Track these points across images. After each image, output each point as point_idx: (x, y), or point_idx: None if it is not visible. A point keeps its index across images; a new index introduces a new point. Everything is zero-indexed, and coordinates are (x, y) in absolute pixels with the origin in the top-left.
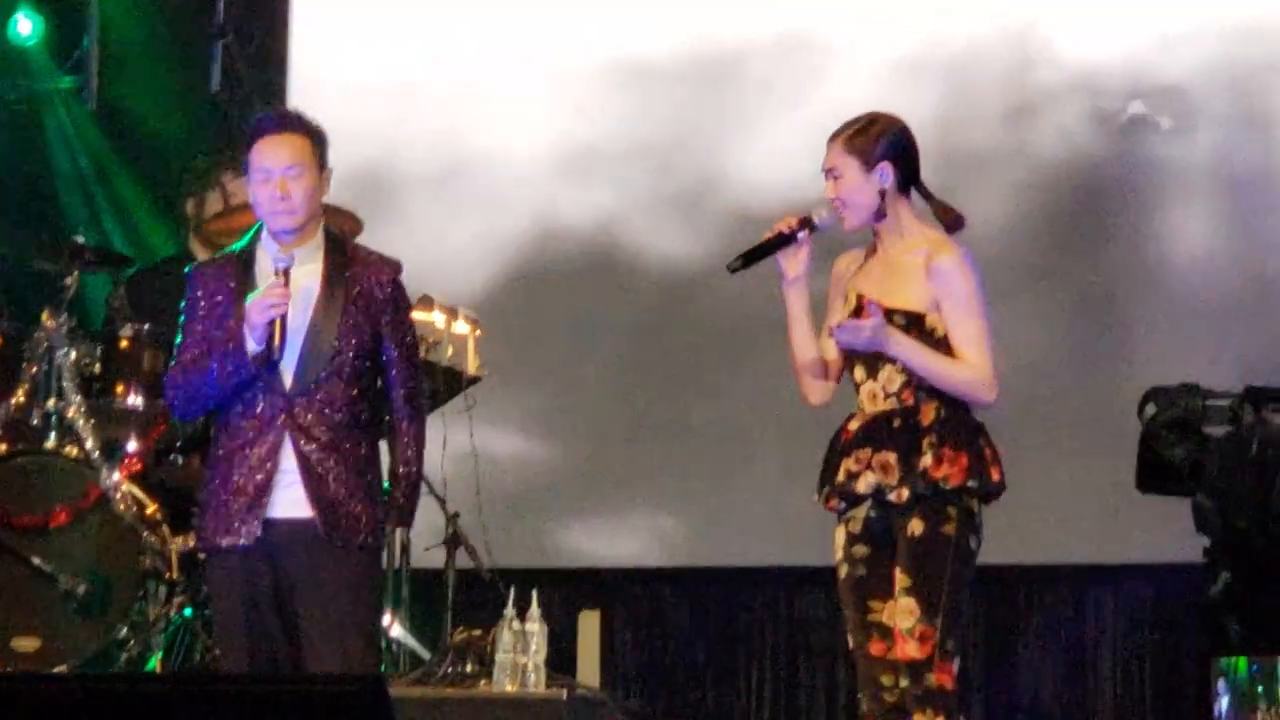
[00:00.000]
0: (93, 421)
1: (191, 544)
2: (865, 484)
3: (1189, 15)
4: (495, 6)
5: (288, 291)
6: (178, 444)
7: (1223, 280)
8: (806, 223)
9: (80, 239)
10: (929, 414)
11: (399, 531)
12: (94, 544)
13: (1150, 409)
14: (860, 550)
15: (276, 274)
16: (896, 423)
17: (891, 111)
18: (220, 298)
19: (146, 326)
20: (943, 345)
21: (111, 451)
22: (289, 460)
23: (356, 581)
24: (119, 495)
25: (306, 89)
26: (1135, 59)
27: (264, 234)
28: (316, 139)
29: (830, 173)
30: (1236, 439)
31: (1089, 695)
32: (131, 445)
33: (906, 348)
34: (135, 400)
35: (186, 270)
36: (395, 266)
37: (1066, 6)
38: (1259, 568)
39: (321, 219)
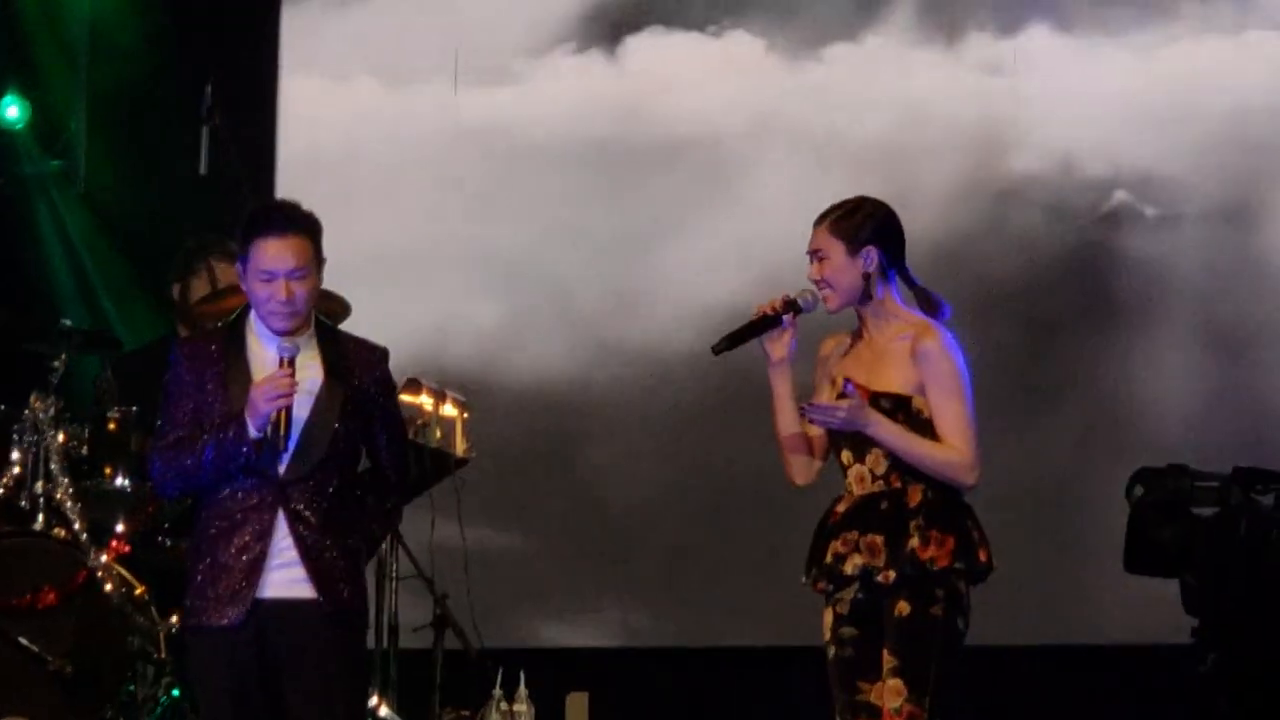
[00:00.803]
0: (80, 503)
1: (178, 624)
2: (852, 565)
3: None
4: (480, 92)
5: (295, 382)
6: (165, 525)
7: (1207, 365)
8: (791, 305)
9: (69, 322)
10: (916, 496)
11: (387, 613)
12: (82, 625)
13: (1138, 490)
14: (848, 631)
15: (282, 364)
16: (884, 505)
17: (877, 196)
18: (209, 377)
19: (134, 409)
20: (929, 428)
21: (99, 533)
22: (282, 542)
23: (348, 661)
24: (107, 577)
25: (294, 173)
26: (1116, 146)
27: (254, 317)
28: (317, 236)
29: (815, 254)
30: (1225, 520)
31: None
32: (119, 527)
33: (886, 430)
34: (123, 482)
35: (173, 345)
36: (384, 353)
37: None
38: (1247, 648)
39: (314, 309)
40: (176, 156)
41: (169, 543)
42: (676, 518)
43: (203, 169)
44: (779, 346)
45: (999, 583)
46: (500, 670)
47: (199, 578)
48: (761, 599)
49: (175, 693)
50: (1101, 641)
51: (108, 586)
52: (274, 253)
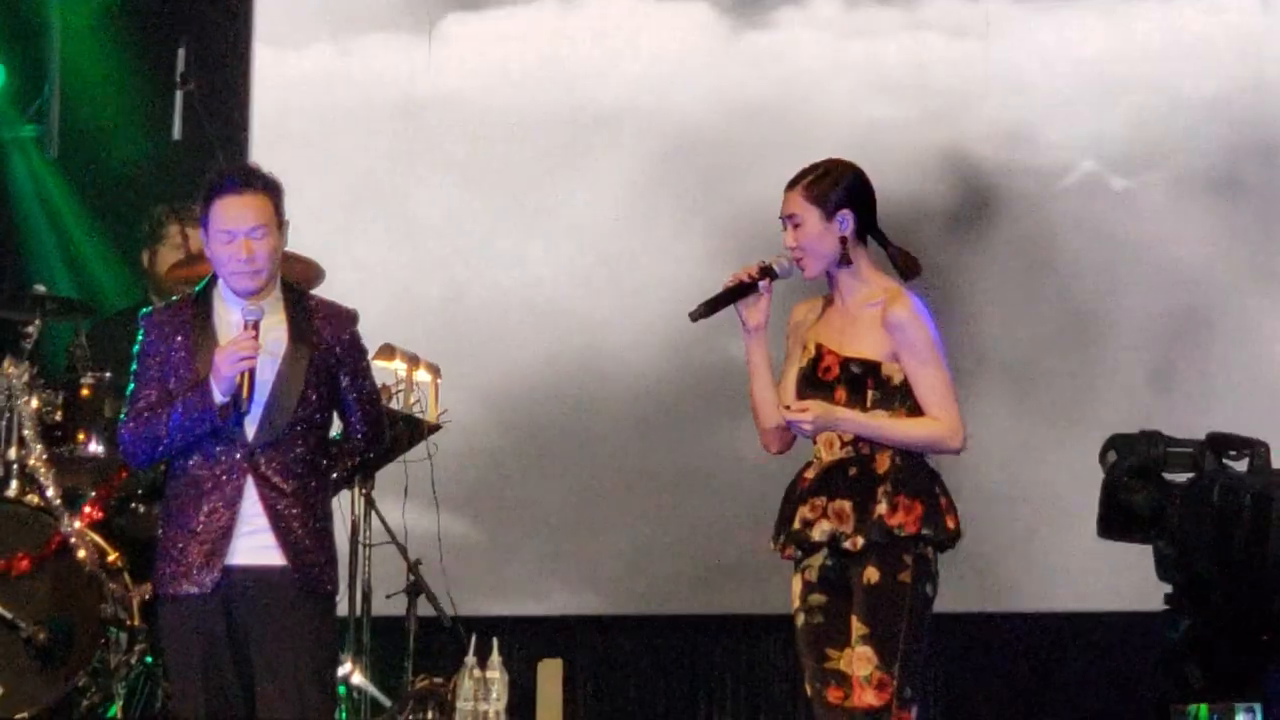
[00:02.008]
0: (54, 470)
1: (151, 592)
2: (820, 532)
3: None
4: (459, 59)
5: (258, 344)
6: (139, 492)
7: (1178, 331)
8: (767, 271)
9: (42, 288)
10: (884, 462)
11: (360, 580)
12: (55, 592)
13: (1112, 456)
14: (817, 598)
15: (246, 326)
16: (852, 471)
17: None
18: (177, 344)
19: (108, 375)
20: (901, 392)
21: (73, 499)
22: (252, 508)
23: (316, 628)
24: (80, 543)
25: (268, 136)
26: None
27: (221, 282)
28: (277, 195)
29: (789, 220)
30: (1198, 486)
31: None
32: (93, 493)
33: (857, 424)
34: (96, 448)
35: (140, 315)
36: (353, 317)
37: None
38: (1219, 614)
39: (279, 272)
40: (151, 121)
41: (142, 509)
42: (649, 485)
43: (176, 133)
44: (755, 313)
45: (971, 550)
46: (474, 637)
47: (168, 545)
48: (734, 567)
49: (148, 660)
50: (1074, 609)
51: (81, 553)
52: (233, 211)
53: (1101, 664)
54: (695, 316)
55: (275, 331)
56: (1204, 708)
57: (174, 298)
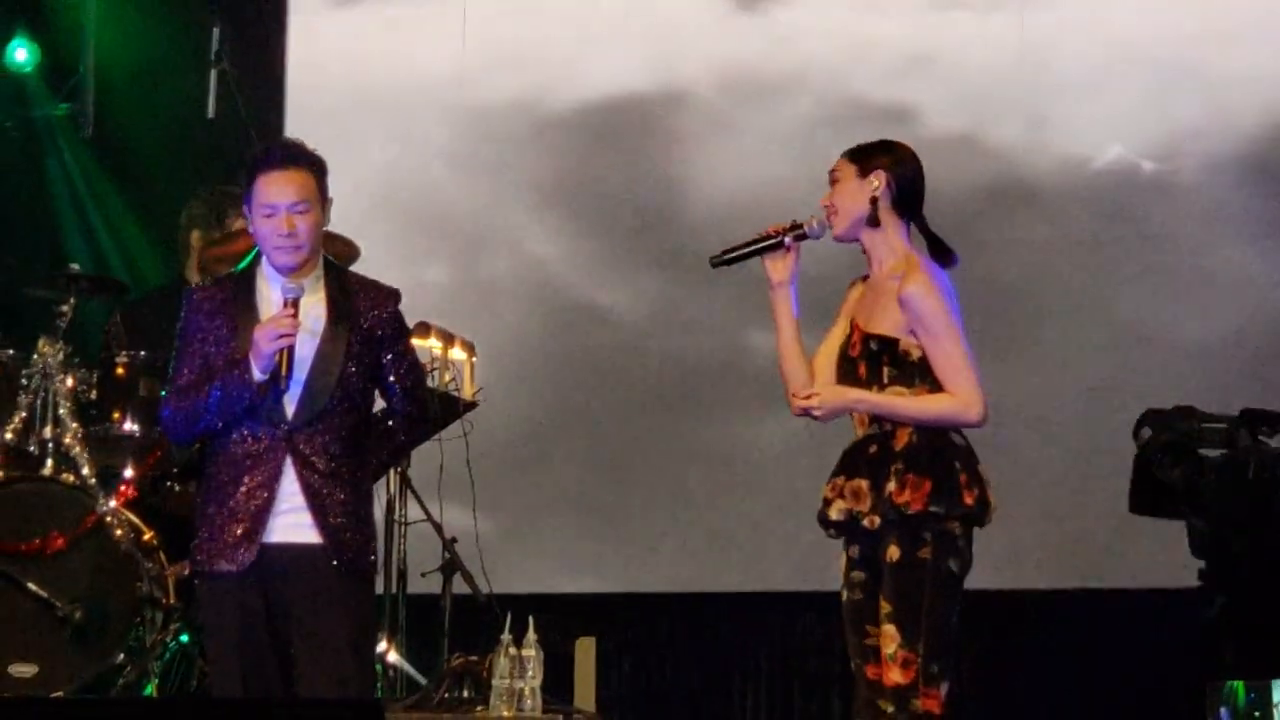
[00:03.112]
0: (89, 448)
1: (189, 571)
2: (837, 511)
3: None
4: (489, 41)
5: (298, 321)
6: (174, 470)
7: (1217, 310)
8: (795, 228)
9: (76, 267)
10: (902, 439)
11: (395, 558)
12: (91, 570)
13: (1146, 431)
14: (858, 576)
15: (285, 304)
16: (873, 449)
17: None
18: (220, 323)
19: (143, 353)
20: (920, 368)
21: (108, 478)
22: (290, 486)
23: (355, 606)
24: (115, 522)
25: (303, 116)
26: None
27: (264, 261)
28: (320, 172)
29: (831, 178)
30: (1233, 462)
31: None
32: (128, 472)
33: (870, 403)
34: (131, 427)
35: (185, 293)
36: (396, 295)
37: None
38: (1255, 591)
39: (322, 249)
40: (185, 100)
41: (177, 488)
42: (684, 463)
43: (210, 112)
44: (778, 268)
45: (1004, 526)
46: (509, 615)
47: (206, 523)
48: (768, 544)
49: (184, 638)
50: (1107, 585)
51: (116, 532)
52: (275, 186)
53: (1134, 641)
54: (715, 263)
55: (316, 309)
56: (1240, 685)
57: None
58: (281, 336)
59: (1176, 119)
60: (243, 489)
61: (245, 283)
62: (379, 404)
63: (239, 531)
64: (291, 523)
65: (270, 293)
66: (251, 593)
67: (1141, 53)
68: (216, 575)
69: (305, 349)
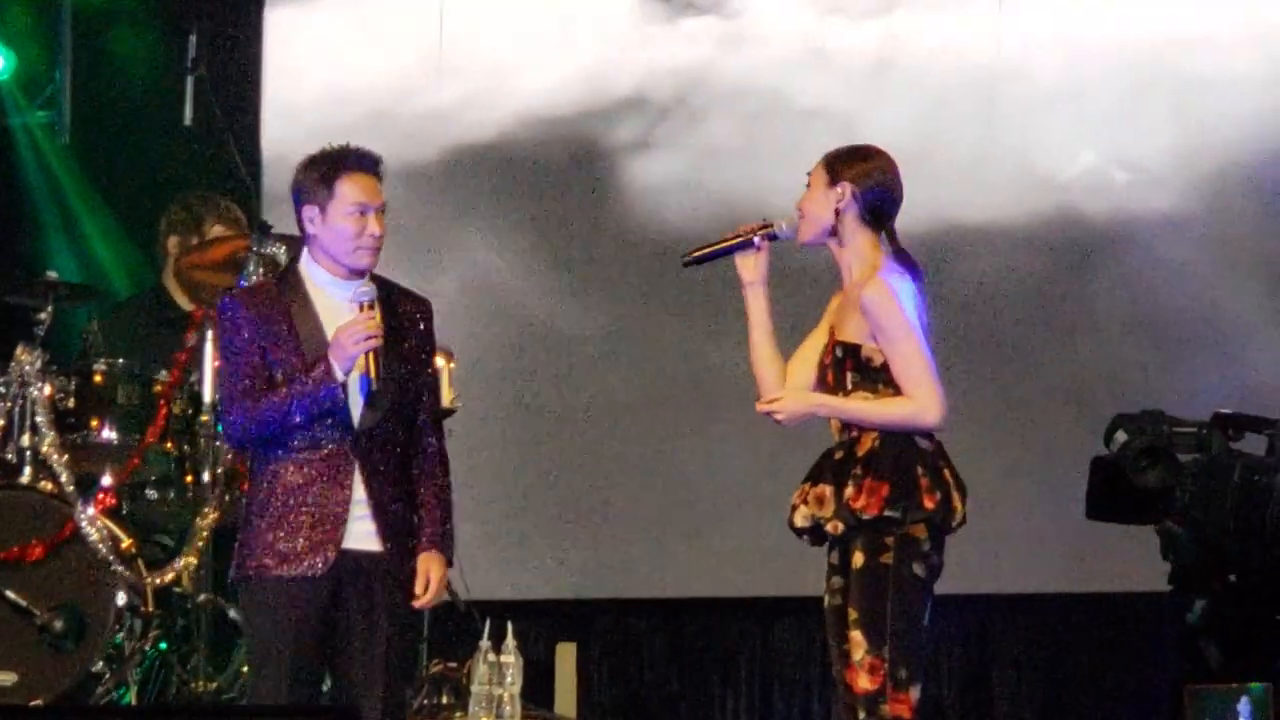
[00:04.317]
0: (67, 456)
1: (167, 578)
2: (802, 517)
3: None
4: (466, 44)
5: (380, 325)
6: (152, 479)
7: (1179, 313)
8: (765, 229)
9: (54, 274)
10: (866, 445)
11: None
12: (69, 578)
13: (1120, 436)
14: (836, 581)
15: (362, 308)
16: (839, 455)
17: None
18: (276, 327)
19: (121, 361)
20: (883, 373)
21: (86, 486)
22: (359, 494)
23: (410, 620)
24: (94, 530)
25: (280, 124)
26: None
27: (307, 263)
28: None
29: (807, 179)
30: (1216, 465)
31: None
32: (106, 480)
33: (831, 408)
34: (110, 434)
35: (222, 302)
36: (430, 306)
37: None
38: (1240, 593)
39: None
40: (161, 107)
41: (155, 495)
42: (665, 469)
43: (187, 119)
44: (749, 268)
45: (978, 529)
46: (488, 621)
47: (266, 528)
48: (748, 550)
49: (162, 645)
50: (1082, 590)
51: (95, 539)
52: (368, 185)
53: (1113, 645)
54: (686, 262)
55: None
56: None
57: (195, 284)
58: (369, 338)
59: (1148, 127)
60: (312, 496)
61: (290, 285)
62: None
63: (316, 538)
64: (360, 530)
65: (322, 295)
66: (317, 599)
67: (1114, 60)
68: (284, 579)
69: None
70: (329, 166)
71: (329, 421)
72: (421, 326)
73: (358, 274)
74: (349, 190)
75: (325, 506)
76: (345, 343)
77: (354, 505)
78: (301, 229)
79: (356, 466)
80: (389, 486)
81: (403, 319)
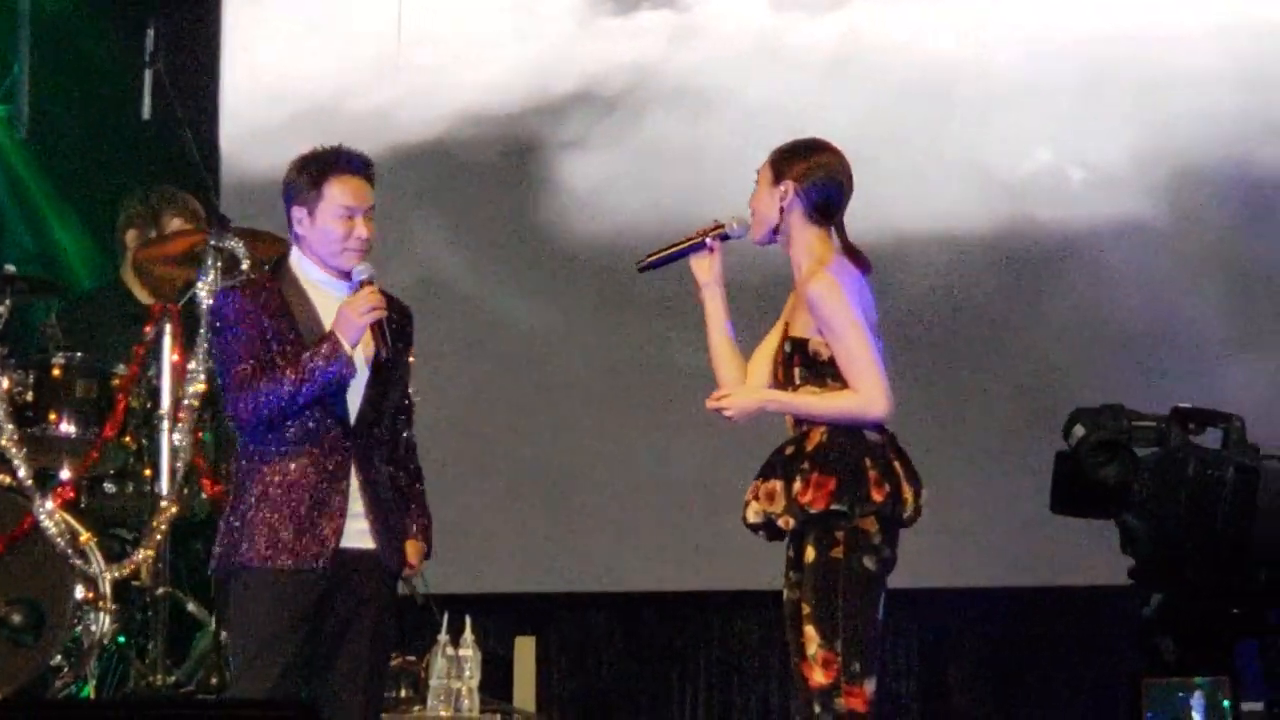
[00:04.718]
0: (25, 450)
1: (125, 572)
2: (753, 513)
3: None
4: (424, 38)
5: (381, 298)
6: (111, 472)
7: (1135, 311)
8: (717, 229)
9: (12, 268)
10: (814, 439)
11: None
12: (27, 572)
13: (1079, 430)
14: (793, 575)
15: (361, 285)
16: (790, 450)
17: (837, 147)
18: (277, 319)
19: (79, 355)
20: (830, 367)
21: (44, 480)
22: (354, 491)
23: (395, 620)
24: (52, 523)
25: (238, 117)
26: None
27: (299, 264)
28: None
29: (757, 176)
30: (1171, 459)
31: (1021, 717)
32: (64, 473)
33: (779, 403)
34: (68, 428)
35: (223, 294)
36: (411, 310)
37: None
38: (1196, 588)
39: None
40: (120, 100)
41: (114, 489)
42: (622, 462)
43: (145, 113)
44: (702, 269)
45: (936, 525)
46: (446, 615)
47: (260, 520)
48: (706, 544)
49: (120, 639)
50: (1039, 583)
51: (53, 533)
52: (358, 188)
53: (1070, 638)
54: (642, 268)
55: None
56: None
57: (153, 277)
58: (373, 309)
59: (1106, 125)
60: (310, 492)
61: (287, 284)
62: None
63: (317, 531)
64: (356, 528)
65: (315, 292)
66: (310, 593)
67: (1072, 57)
68: (282, 571)
69: (361, 354)
70: (318, 168)
71: (327, 419)
72: (408, 328)
73: (346, 274)
74: (337, 193)
75: (324, 501)
76: (351, 315)
77: (351, 502)
78: (290, 228)
79: (353, 464)
80: (384, 484)
81: (396, 323)
